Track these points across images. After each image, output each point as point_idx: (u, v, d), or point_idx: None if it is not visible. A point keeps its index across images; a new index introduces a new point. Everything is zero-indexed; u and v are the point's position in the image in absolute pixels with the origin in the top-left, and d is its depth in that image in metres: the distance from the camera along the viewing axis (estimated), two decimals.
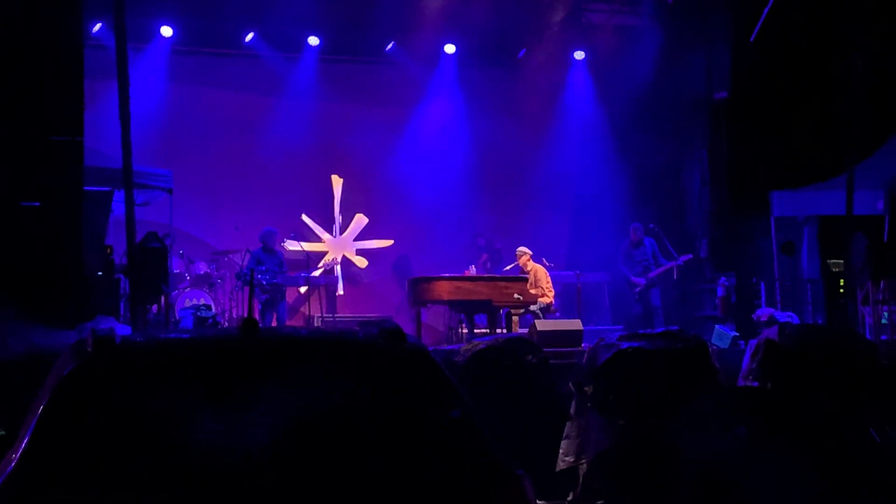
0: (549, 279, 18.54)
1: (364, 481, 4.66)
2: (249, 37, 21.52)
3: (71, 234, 13.38)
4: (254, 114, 21.82)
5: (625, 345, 10.77)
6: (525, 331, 15.91)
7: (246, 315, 5.43)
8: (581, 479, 10.48)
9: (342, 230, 22.15)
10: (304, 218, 21.66)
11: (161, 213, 18.45)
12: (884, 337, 15.24)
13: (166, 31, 20.82)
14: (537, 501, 5.05)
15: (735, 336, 16.27)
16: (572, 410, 10.82)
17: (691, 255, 20.39)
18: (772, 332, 10.68)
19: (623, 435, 10.42)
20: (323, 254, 21.78)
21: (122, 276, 15.40)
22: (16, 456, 4.56)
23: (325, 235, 21.95)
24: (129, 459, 4.57)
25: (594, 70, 23.32)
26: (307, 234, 21.52)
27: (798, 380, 9.97)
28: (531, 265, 18.58)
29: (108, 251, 15.53)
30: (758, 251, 19.82)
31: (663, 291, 19.81)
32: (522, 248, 18.75)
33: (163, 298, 15.13)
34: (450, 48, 22.72)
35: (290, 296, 20.46)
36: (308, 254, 20.40)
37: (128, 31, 13.78)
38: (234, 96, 21.84)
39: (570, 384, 10.93)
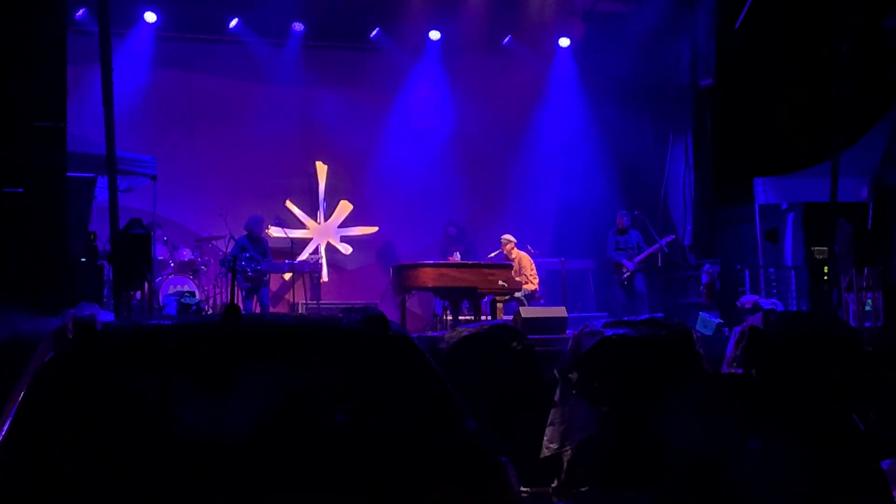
0: (533, 266, 18.55)
1: (347, 468, 4.65)
2: (234, 23, 21.43)
3: (54, 221, 13.35)
4: (238, 100, 21.74)
5: (609, 332, 10.79)
6: (510, 318, 15.91)
7: (229, 302, 5.41)
8: (565, 466, 10.50)
9: (327, 217, 22.12)
10: (289, 204, 21.62)
11: (145, 199, 18.38)
12: (867, 324, 15.27)
13: (150, 16, 20.71)
14: (521, 488, 5.05)
15: (719, 323, 16.30)
16: (556, 397, 10.83)
17: (673, 237, 20.39)
18: (756, 319, 10.70)
19: (607, 422, 10.44)
20: (307, 240, 21.75)
21: (105, 262, 15.36)
22: None
23: (309, 222, 21.92)
24: (111, 446, 4.55)
25: (579, 57, 23.29)
26: (292, 221, 21.47)
27: (782, 367, 9.99)
28: (516, 252, 18.57)
29: (92, 237, 15.47)
30: (742, 238, 19.84)
31: (648, 278, 19.83)
32: (507, 236, 18.74)
33: (146, 285, 15.08)
34: (435, 34, 22.67)
35: (274, 283, 20.44)
36: (292, 241, 20.36)
37: (111, 16, 13.71)
38: (218, 82, 21.76)
39: (555, 371, 10.94)
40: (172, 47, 21.39)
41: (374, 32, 22.42)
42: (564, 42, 23.22)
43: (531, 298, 18.02)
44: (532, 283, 18.23)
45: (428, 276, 16.68)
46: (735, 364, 10.55)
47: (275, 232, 20.19)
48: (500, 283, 16.88)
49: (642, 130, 22.57)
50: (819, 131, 17.54)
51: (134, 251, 14.22)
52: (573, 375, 10.74)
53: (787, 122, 19.11)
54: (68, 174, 13.89)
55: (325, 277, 21.48)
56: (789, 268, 19.43)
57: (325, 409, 4.88)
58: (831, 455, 8.09)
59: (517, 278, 17.71)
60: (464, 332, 11.45)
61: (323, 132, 22.20)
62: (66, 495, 4.45)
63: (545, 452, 10.63)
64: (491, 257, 18.85)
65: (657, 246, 19.62)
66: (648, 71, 22.41)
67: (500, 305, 17.27)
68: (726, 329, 15.50)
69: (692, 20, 21.60)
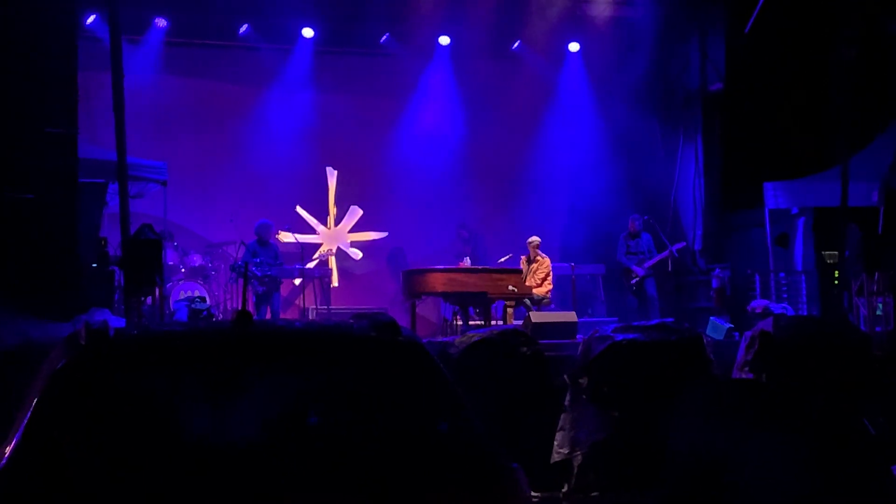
0: (549, 271, 18.42)
1: (357, 473, 4.66)
2: (243, 28, 21.44)
3: (65, 227, 13.38)
4: (248, 106, 21.76)
5: (619, 337, 10.80)
6: (520, 323, 15.90)
7: (240, 307, 5.43)
8: (575, 471, 10.51)
9: (337, 222, 22.12)
10: (299, 210, 21.62)
11: (155, 205, 18.42)
12: (878, 328, 15.23)
13: (160, 22, 20.74)
14: (531, 493, 5.06)
15: (730, 328, 16.26)
16: (567, 402, 10.84)
17: (685, 244, 20.33)
18: (766, 324, 10.70)
19: (617, 427, 10.44)
20: (317, 246, 21.75)
21: (116, 267, 15.38)
22: (9, 449, 4.56)
23: (319, 227, 21.93)
24: (123, 452, 4.57)
25: (589, 62, 23.26)
26: (302, 226, 21.47)
27: (793, 371, 9.99)
28: (541, 255, 18.49)
29: (103, 243, 15.50)
30: (752, 243, 19.82)
31: (658, 283, 19.78)
32: (535, 238, 18.59)
33: (157, 290, 15.08)
34: (444, 40, 22.65)
35: (284, 288, 20.41)
36: (303, 246, 20.37)
37: (121, 22, 13.75)
38: (228, 88, 21.79)
39: (565, 376, 10.95)
40: (183, 53, 21.42)
41: (384, 38, 22.42)
42: (574, 47, 23.19)
43: (538, 303, 17.91)
44: (543, 287, 18.14)
45: (438, 282, 16.67)
46: (746, 369, 10.56)
47: (285, 237, 20.20)
48: (510, 287, 16.86)
49: (652, 135, 22.54)
50: (829, 135, 17.55)
51: (145, 257, 14.20)
52: (583, 380, 10.75)
53: (796, 127, 19.11)
54: (79, 180, 13.93)
55: (335, 282, 21.50)
56: (800, 272, 19.40)
57: (336, 414, 4.90)
58: (841, 459, 8.09)
59: (528, 282, 17.68)
60: (474, 337, 11.46)
61: (333, 137, 22.21)
62: (78, 499, 4.47)
63: (555, 457, 10.64)
64: (501, 262, 18.81)
65: (667, 252, 19.57)
66: (658, 76, 22.39)
67: (510, 310, 17.26)
68: (737, 334, 15.48)
69: (702, 25, 21.59)
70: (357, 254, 22.16)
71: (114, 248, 15.70)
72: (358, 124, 22.16)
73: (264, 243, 18.67)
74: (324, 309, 20.15)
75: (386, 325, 5.34)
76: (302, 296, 20.38)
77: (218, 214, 20.69)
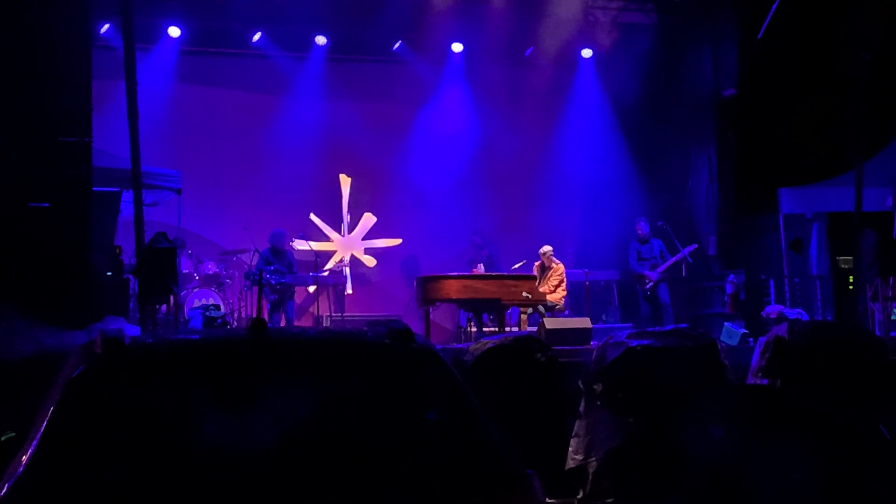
0: (562, 277, 18.41)
1: (372, 481, 4.67)
2: (257, 36, 21.49)
3: (79, 235, 13.44)
4: (262, 113, 21.82)
5: (634, 343, 10.76)
6: (534, 329, 15.89)
7: (255, 315, 5.44)
8: (590, 478, 10.48)
9: (350, 229, 22.16)
10: (313, 217, 21.66)
11: (169, 213, 18.46)
12: (893, 333, 15.21)
13: (174, 31, 20.80)
14: (546, 500, 5.05)
15: (744, 333, 16.24)
16: (581, 409, 10.82)
17: (696, 245, 20.28)
18: (781, 330, 10.67)
19: (632, 433, 10.42)
20: (331, 253, 21.79)
21: (130, 276, 15.43)
22: (25, 458, 4.57)
23: (333, 235, 21.97)
24: (139, 461, 4.58)
25: (601, 68, 23.29)
26: (315, 234, 21.52)
27: (807, 377, 9.96)
28: (556, 262, 18.49)
29: (117, 251, 15.55)
30: (766, 248, 19.78)
31: (672, 289, 19.76)
32: (547, 248, 18.60)
33: (172, 298, 15.12)
34: (457, 47, 22.69)
35: (298, 295, 20.45)
36: (317, 253, 20.39)
37: (135, 31, 13.80)
38: (241, 96, 21.86)
39: (579, 382, 10.92)
40: (196, 61, 21.48)
41: (397, 45, 22.47)
42: (587, 53, 23.22)
43: (552, 309, 17.91)
44: (556, 294, 18.11)
45: (452, 288, 16.66)
46: (760, 374, 10.53)
47: (299, 245, 20.22)
48: (524, 294, 16.84)
49: (665, 141, 22.52)
50: (843, 140, 17.49)
51: (159, 265, 14.25)
52: (598, 387, 10.72)
53: (810, 132, 19.06)
54: (93, 189, 13.98)
55: (349, 290, 21.53)
56: (814, 277, 19.36)
57: (350, 421, 4.90)
58: (856, 464, 8.08)
59: (542, 289, 17.67)
60: (488, 343, 11.43)
61: (346, 145, 22.25)
62: None
63: (570, 464, 10.62)
64: (515, 268, 18.82)
65: (680, 255, 19.54)
66: (671, 81, 22.39)
67: (524, 317, 17.25)
68: (751, 339, 15.45)
69: (714, 31, 21.57)
70: (371, 261, 22.19)
71: (128, 256, 15.75)
72: (371, 131, 22.19)
73: (278, 251, 18.69)
74: (338, 316, 20.18)
75: (400, 332, 5.34)
76: (316, 303, 20.41)
77: (232, 222, 20.73)
